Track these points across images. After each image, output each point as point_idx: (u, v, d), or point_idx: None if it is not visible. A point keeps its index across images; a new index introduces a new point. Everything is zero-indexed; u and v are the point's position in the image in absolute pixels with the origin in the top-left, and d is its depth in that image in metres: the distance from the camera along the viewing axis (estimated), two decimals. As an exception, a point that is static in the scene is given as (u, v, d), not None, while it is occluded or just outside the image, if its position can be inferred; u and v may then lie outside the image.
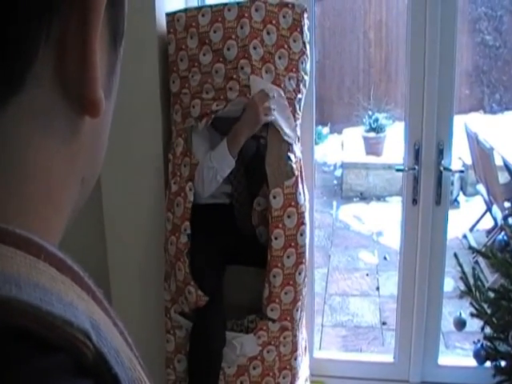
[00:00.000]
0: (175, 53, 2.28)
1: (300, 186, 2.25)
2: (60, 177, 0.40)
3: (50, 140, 0.38)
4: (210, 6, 2.24)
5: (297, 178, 2.23)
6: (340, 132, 8.61)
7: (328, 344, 3.91)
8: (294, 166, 2.23)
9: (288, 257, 2.22)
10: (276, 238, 2.20)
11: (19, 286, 0.31)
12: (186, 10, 2.27)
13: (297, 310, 2.28)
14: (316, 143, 2.88)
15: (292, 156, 2.23)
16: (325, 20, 8.67)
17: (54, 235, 0.40)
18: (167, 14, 2.30)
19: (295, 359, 2.32)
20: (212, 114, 2.21)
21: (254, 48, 2.15)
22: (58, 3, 0.35)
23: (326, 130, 8.65)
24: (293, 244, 2.23)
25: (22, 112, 0.36)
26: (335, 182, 7.64)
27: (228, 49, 2.18)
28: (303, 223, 2.26)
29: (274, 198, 2.19)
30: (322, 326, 4.16)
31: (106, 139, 0.46)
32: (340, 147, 8.15)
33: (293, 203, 2.21)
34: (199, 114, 2.23)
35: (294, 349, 2.32)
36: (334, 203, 6.99)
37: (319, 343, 3.78)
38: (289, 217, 2.21)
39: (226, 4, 2.21)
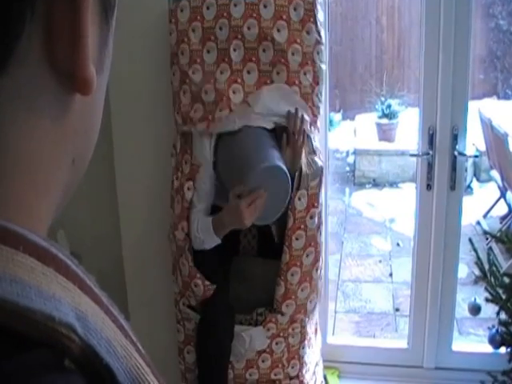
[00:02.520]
0: (176, 44, 2.17)
1: (323, 183, 2.21)
2: (47, 159, 0.38)
3: (38, 121, 0.36)
4: None
5: (321, 176, 2.18)
6: (353, 118, 8.58)
7: (341, 330, 3.92)
8: (321, 163, 2.18)
9: (307, 255, 2.20)
10: (297, 239, 2.17)
11: None
12: None
13: (310, 302, 2.28)
14: (328, 130, 2.86)
15: (318, 151, 2.18)
16: (337, 6, 8.60)
17: (39, 221, 0.38)
18: (170, 2, 2.19)
19: (303, 348, 2.32)
20: (213, 123, 2.08)
21: (264, 51, 2.06)
22: None
23: (338, 116, 8.62)
24: (313, 243, 2.20)
25: (6, 94, 0.34)
26: (348, 168, 7.62)
27: (234, 50, 2.08)
28: (321, 221, 2.25)
29: (299, 199, 2.13)
30: (335, 312, 4.17)
31: (100, 116, 0.44)
32: (352, 134, 8.12)
33: (315, 204, 2.17)
34: (200, 118, 2.12)
35: (303, 339, 2.31)
36: (347, 190, 6.98)
37: (332, 329, 3.79)
38: (311, 218, 2.17)
39: None
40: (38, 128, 0.37)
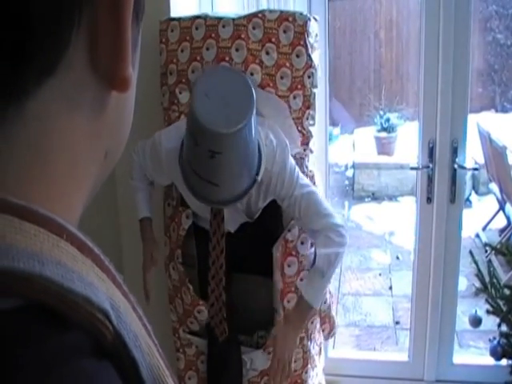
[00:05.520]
0: (165, 65, 2.14)
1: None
2: (84, 153, 0.40)
3: (78, 117, 0.39)
4: (205, 18, 2.05)
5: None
6: (351, 132, 8.61)
7: (342, 343, 3.91)
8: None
9: (301, 279, 2.12)
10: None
11: (42, 263, 0.31)
12: (179, 19, 2.11)
13: (311, 323, 2.22)
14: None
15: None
16: (335, 20, 8.66)
17: (73, 212, 0.40)
18: (161, 22, 2.15)
19: (306, 372, 2.26)
20: None
21: (252, 74, 2.00)
22: None
23: (336, 130, 8.64)
24: (307, 267, 2.13)
25: (52, 93, 0.37)
26: (347, 182, 7.63)
27: None
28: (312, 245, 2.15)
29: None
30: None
31: (132, 111, 0.46)
32: (351, 147, 8.14)
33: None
34: None
35: (305, 363, 2.25)
36: (346, 203, 6.99)
37: (333, 343, 3.78)
38: (302, 243, 2.09)
39: (221, 18, 2.03)
40: (77, 124, 0.39)
